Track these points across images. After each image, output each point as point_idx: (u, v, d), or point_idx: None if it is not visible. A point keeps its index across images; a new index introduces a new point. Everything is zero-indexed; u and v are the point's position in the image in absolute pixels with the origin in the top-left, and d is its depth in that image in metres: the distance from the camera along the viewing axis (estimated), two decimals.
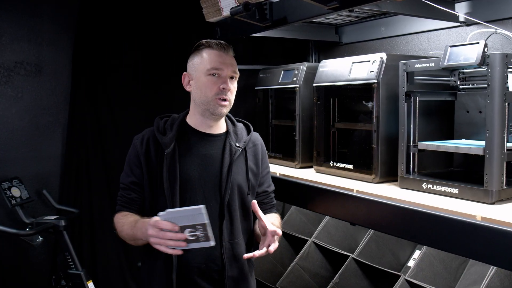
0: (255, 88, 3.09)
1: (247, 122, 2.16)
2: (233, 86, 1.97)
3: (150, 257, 1.91)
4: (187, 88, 2.01)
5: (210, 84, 1.92)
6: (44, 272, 3.12)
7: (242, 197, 1.98)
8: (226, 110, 1.95)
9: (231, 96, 1.96)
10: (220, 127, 2.04)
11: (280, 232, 1.81)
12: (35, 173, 3.09)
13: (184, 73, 2.01)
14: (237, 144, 1.98)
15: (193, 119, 2.01)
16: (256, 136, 2.14)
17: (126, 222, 1.87)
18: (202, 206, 1.61)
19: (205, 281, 1.89)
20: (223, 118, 2.05)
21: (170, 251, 1.66)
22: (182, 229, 1.63)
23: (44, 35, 3.08)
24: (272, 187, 2.17)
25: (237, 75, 1.98)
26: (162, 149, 1.91)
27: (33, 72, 3.04)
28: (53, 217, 2.86)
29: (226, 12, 2.54)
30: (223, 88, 1.90)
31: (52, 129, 3.16)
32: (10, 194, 2.78)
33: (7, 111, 2.97)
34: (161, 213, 1.65)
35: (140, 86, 3.38)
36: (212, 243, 1.65)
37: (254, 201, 1.87)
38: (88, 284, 2.76)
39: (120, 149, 3.22)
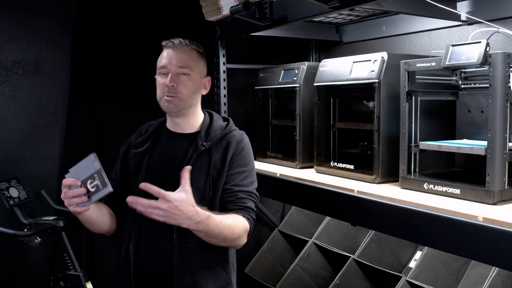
0: (255, 87, 3.07)
1: (230, 120, 2.03)
2: (181, 80, 1.88)
3: (118, 256, 1.92)
4: None
5: (159, 83, 1.91)
6: (42, 273, 3.10)
7: (202, 199, 1.82)
8: (175, 107, 1.88)
9: (179, 90, 1.87)
10: (192, 126, 1.97)
11: (167, 198, 1.55)
12: (33, 173, 3.07)
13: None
14: (204, 143, 1.89)
15: (167, 120, 2.01)
16: (234, 134, 1.96)
17: None
18: (93, 154, 1.63)
19: (157, 282, 1.82)
20: (197, 116, 1.98)
21: (78, 209, 1.65)
22: (84, 183, 1.64)
23: (43, 34, 3.06)
24: (244, 188, 1.89)
25: (187, 69, 1.89)
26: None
27: (31, 71, 3.02)
28: (51, 218, 2.84)
29: (225, 11, 2.53)
30: (167, 85, 1.86)
31: (51, 129, 3.15)
32: (8, 195, 2.77)
33: (5, 111, 2.95)
34: (66, 174, 1.68)
35: (139, 86, 3.37)
36: (109, 188, 1.61)
37: (186, 167, 1.64)
38: (87, 285, 2.74)
39: (118, 149, 3.20)
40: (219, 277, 1.87)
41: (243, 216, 1.83)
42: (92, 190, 1.63)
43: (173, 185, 1.80)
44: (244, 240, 1.83)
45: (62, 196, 1.66)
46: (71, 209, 1.66)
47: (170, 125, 1.99)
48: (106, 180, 1.62)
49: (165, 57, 1.91)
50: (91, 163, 1.64)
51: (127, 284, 1.85)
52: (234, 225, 1.76)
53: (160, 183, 1.81)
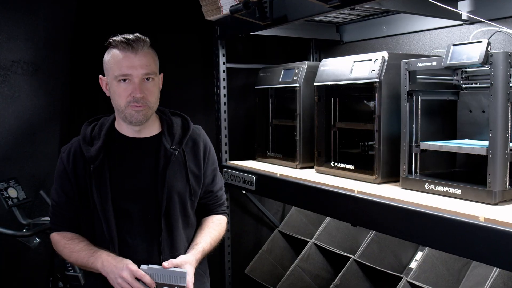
0: (255, 87, 3.07)
1: (186, 116, 1.95)
2: (148, 88, 1.75)
3: (93, 273, 1.79)
4: (107, 93, 1.82)
5: (121, 91, 1.73)
6: (41, 273, 3.09)
7: (183, 204, 1.84)
8: (143, 117, 1.76)
9: (147, 99, 1.75)
10: (151, 129, 1.86)
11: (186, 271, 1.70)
12: (32, 173, 3.05)
13: (100, 76, 1.82)
14: (173, 147, 1.81)
15: (120, 125, 1.85)
16: (197, 132, 1.93)
17: (76, 249, 1.77)
18: (185, 270, 1.69)
19: None
20: (154, 118, 1.87)
21: None
22: (159, 286, 1.67)
23: (42, 34, 3.04)
24: (219, 185, 2.01)
25: (153, 74, 1.76)
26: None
27: (30, 71, 3.00)
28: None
29: (225, 10, 2.53)
30: (134, 96, 1.72)
31: (49, 129, 3.13)
32: (7, 195, 2.75)
33: (4, 110, 2.94)
34: (143, 267, 1.68)
35: None
36: None
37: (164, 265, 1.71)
38: None
39: None
40: (199, 272, 1.89)
41: (222, 213, 2.03)
42: None
43: (145, 195, 1.81)
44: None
45: (129, 280, 1.64)
46: None
47: (125, 130, 1.84)
48: None
49: (124, 63, 1.72)
50: (178, 276, 1.67)
51: None
52: (219, 234, 1.95)
53: (132, 197, 1.81)
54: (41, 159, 3.09)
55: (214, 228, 1.94)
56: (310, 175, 2.46)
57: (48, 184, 3.14)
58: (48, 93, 3.11)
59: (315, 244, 3.29)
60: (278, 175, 2.57)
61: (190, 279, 1.70)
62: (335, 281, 2.98)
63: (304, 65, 2.70)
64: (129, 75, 1.72)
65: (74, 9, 3.14)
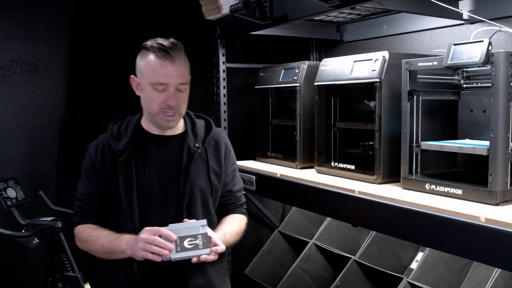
0: (255, 87, 3.06)
1: (209, 118, 2.02)
2: (181, 96, 1.82)
3: (111, 265, 1.85)
4: (137, 92, 1.87)
5: (155, 97, 1.78)
6: (40, 274, 3.08)
7: (205, 200, 1.89)
8: (174, 123, 1.85)
9: (180, 107, 1.82)
10: (176, 128, 1.91)
11: (219, 248, 1.73)
12: (31, 173, 3.05)
13: (132, 76, 1.86)
14: (196, 145, 1.87)
15: (146, 123, 1.91)
16: (218, 133, 2.01)
17: (101, 236, 1.80)
18: (205, 220, 1.74)
19: None
20: None
21: (150, 256, 1.65)
22: (181, 239, 1.67)
23: (41, 33, 3.04)
24: (239, 186, 2.06)
25: (187, 83, 1.83)
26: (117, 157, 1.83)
27: (29, 71, 3.00)
28: (49, 219, 2.82)
29: (225, 10, 2.52)
30: (168, 104, 1.78)
31: (48, 129, 3.13)
32: (6, 195, 2.74)
33: (3, 110, 2.93)
34: (164, 227, 1.70)
35: None
36: (208, 250, 1.68)
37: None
38: (85, 287, 2.72)
39: None
40: (220, 269, 1.92)
41: (241, 212, 2.05)
42: (189, 247, 1.67)
43: (169, 190, 1.85)
44: None
45: (145, 237, 1.65)
46: (146, 255, 1.65)
47: (151, 128, 1.90)
48: (208, 244, 1.68)
49: (161, 72, 1.77)
50: (199, 226, 1.70)
51: None
52: (240, 228, 1.96)
53: (156, 192, 1.84)
54: (40, 159, 3.08)
55: (234, 222, 1.97)
56: (310, 175, 2.45)
57: (48, 184, 3.14)
58: (47, 93, 3.10)
59: (315, 244, 3.29)
60: (278, 175, 2.56)
61: (211, 234, 1.73)
62: (336, 281, 2.97)
63: (304, 65, 2.69)
64: (165, 84, 1.76)
65: (73, 8, 3.13)
